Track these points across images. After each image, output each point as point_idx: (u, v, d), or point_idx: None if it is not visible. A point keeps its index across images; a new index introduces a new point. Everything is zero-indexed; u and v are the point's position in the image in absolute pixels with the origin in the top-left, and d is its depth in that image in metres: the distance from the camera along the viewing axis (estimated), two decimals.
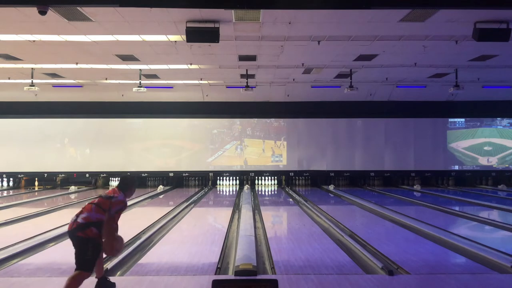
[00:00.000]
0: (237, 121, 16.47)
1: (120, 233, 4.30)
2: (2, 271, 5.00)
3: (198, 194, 13.62)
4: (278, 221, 9.78)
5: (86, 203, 4.28)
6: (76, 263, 4.03)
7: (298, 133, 16.43)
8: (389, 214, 9.26)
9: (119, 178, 4.80)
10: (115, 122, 16.31)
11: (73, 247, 4.06)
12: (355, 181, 16.56)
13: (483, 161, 16.52)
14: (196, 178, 16.63)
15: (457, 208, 10.53)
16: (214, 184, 16.48)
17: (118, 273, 4.94)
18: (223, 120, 16.46)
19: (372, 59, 11.06)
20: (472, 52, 10.32)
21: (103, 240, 4.09)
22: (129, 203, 4.59)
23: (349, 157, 16.37)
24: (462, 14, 7.47)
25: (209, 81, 14.13)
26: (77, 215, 4.12)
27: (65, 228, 7.14)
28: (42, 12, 5.97)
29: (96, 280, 4.30)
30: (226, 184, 16.52)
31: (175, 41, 9.11)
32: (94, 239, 4.06)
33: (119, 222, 4.30)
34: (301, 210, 10.28)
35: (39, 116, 16.09)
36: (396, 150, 16.38)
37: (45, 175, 16.22)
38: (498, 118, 16.58)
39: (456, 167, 16.47)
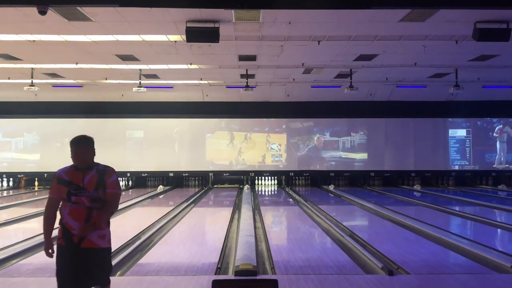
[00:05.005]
0: (238, 121, 16.43)
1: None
2: (2, 271, 5.00)
3: (198, 194, 13.62)
4: (278, 221, 9.78)
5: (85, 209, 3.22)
6: (102, 278, 3.27)
7: (299, 133, 16.46)
8: (389, 214, 9.25)
9: (74, 143, 3.30)
10: (115, 122, 16.28)
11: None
12: (355, 181, 16.54)
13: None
14: (196, 178, 16.62)
15: (457, 208, 10.53)
16: (214, 184, 16.47)
17: (118, 273, 4.94)
18: (223, 120, 16.43)
19: (372, 59, 11.05)
20: (472, 52, 10.31)
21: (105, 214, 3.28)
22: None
23: (349, 157, 16.38)
24: (462, 14, 7.47)
25: (209, 81, 14.12)
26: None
27: None
28: (42, 12, 5.95)
29: None
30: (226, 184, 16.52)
31: (175, 41, 9.10)
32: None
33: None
34: (301, 210, 10.28)
35: (39, 116, 16.07)
36: (396, 150, 16.38)
37: (45, 175, 16.21)
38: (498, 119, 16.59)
39: (456, 167, 16.46)
